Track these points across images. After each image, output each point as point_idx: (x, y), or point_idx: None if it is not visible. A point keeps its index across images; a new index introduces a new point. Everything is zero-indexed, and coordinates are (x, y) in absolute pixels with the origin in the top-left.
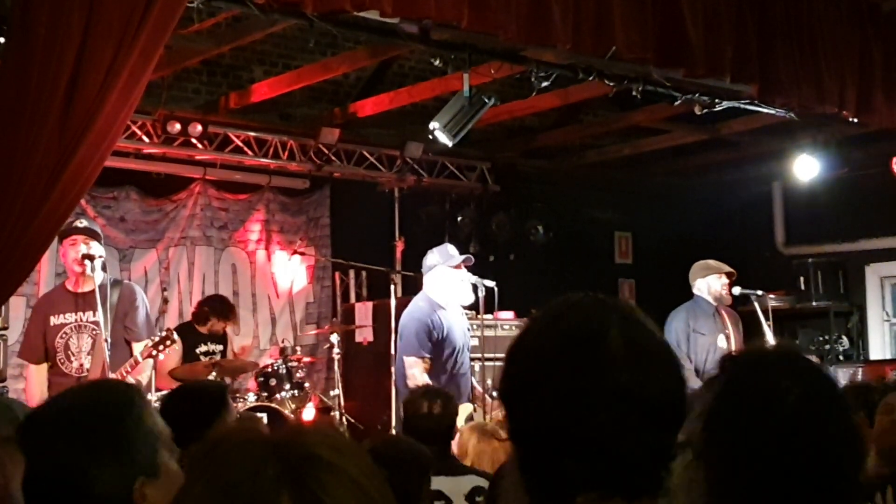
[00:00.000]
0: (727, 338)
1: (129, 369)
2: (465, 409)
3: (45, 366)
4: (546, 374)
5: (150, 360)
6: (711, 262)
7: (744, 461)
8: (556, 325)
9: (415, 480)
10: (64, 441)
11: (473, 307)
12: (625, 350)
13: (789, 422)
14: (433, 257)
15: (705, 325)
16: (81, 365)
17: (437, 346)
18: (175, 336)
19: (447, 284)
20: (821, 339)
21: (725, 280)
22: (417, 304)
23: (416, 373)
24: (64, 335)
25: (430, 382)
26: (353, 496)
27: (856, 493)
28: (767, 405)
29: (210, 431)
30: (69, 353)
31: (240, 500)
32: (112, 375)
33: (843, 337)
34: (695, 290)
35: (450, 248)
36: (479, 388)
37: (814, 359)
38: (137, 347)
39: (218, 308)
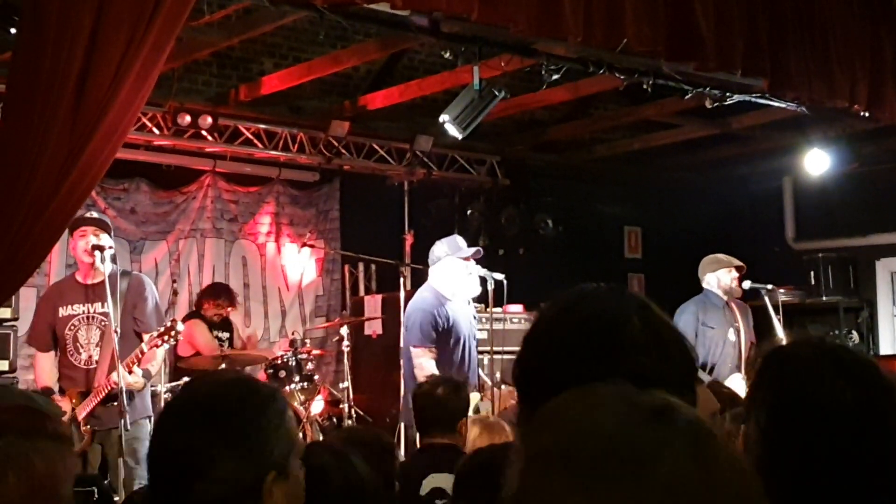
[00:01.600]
0: (737, 331)
1: (136, 360)
2: (472, 399)
3: (52, 353)
4: (567, 361)
5: (161, 351)
6: (721, 256)
7: (808, 473)
8: (575, 313)
9: (388, 460)
10: (196, 420)
11: (482, 300)
12: (644, 336)
13: (849, 424)
14: (441, 248)
15: (714, 319)
16: (90, 356)
17: (442, 337)
18: (180, 327)
19: (454, 276)
20: (831, 334)
21: (735, 274)
22: (423, 294)
23: (424, 362)
24: (73, 326)
25: (437, 373)
26: (738, 461)
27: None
28: (826, 411)
29: None
30: (78, 344)
31: (642, 454)
32: (120, 367)
33: (853, 332)
34: (704, 285)
35: (459, 240)
36: (487, 381)
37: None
38: (146, 338)
39: (209, 291)
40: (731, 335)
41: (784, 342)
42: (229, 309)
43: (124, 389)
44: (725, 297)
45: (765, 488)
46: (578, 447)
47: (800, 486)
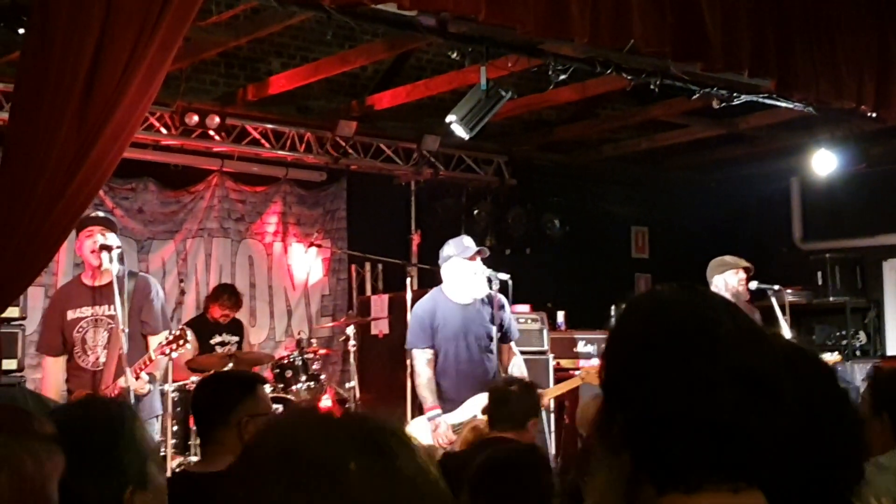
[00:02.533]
0: None
1: (144, 366)
2: (482, 399)
3: (62, 358)
4: (664, 362)
5: (165, 358)
6: (728, 258)
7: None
8: (665, 314)
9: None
10: None
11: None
12: (736, 333)
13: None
14: (449, 249)
15: None
16: (98, 358)
17: (437, 337)
18: (189, 335)
19: (460, 276)
20: (838, 334)
21: (743, 275)
22: (423, 298)
23: (416, 364)
24: (81, 329)
25: (430, 373)
26: (421, 465)
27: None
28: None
29: (233, 416)
30: (86, 346)
31: (304, 465)
32: (128, 369)
33: (860, 332)
34: (712, 287)
35: (465, 240)
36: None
37: (828, 356)
38: (153, 340)
39: (214, 293)
40: None
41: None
42: (235, 309)
43: (131, 390)
44: (733, 300)
45: None
46: (263, 463)
47: None
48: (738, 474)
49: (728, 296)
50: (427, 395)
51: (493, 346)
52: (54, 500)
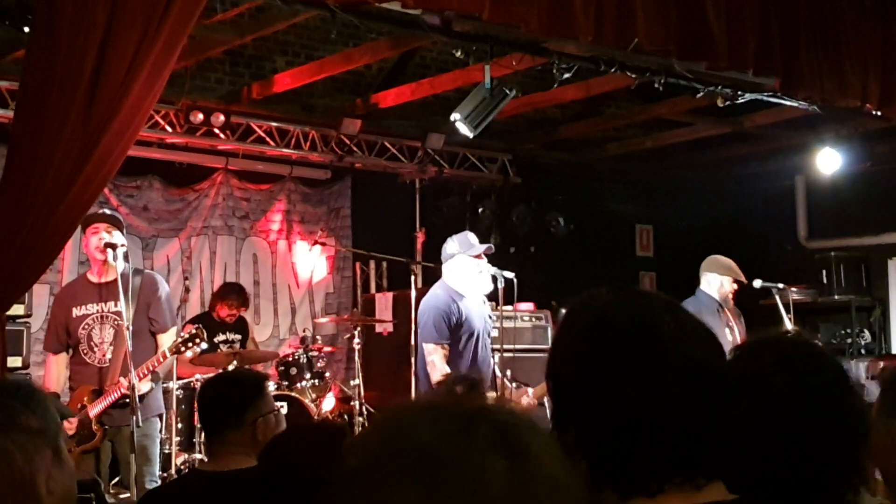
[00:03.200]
0: (731, 330)
1: (157, 364)
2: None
3: (64, 355)
4: (609, 369)
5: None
6: (732, 264)
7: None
8: (605, 319)
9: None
10: None
11: (493, 298)
12: (678, 332)
13: (772, 403)
14: (453, 245)
15: (710, 320)
16: (104, 355)
17: (454, 334)
18: (204, 335)
19: (466, 273)
20: (843, 332)
21: (735, 286)
22: (435, 292)
23: (437, 359)
24: (86, 326)
25: (448, 370)
26: (558, 461)
27: (847, 480)
28: (752, 387)
29: (245, 417)
30: (92, 343)
31: (445, 467)
32: (133, 369)
33: (865, 331)
34: (703, 280)
35: (470, 237)
36: (500, 376)
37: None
38: (161, 338)
39: (221, 291)
40: (727, 334)
41: (755, 337)
42: (242, 309)
43: (136, 388)
44: (719, 300)
45: None
46: (385, 462)
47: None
48: (696, 470)
49: (717, 296)
50: None
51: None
52: (42, 493)
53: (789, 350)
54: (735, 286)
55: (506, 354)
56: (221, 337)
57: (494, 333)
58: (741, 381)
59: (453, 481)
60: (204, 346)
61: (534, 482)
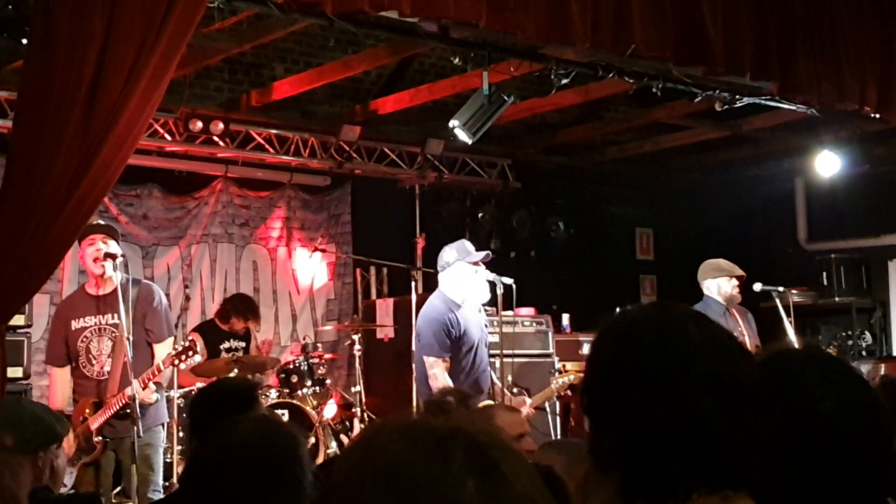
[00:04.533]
0: (740, 335)
1: (153, 376)
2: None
3: (68, 368)
4: (640, 380)
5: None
6: (723, 263)
7: (780, 471)
8: (636, 333)
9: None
10: None
11: (492, 304)
12: (707, 344)
13: (826, 431)
14: (450, 254)
15: None
16: (103, 367)
17: (454, 345)
18: (198, 347)
19: (464, 282)
20: (843, 334)
21: (735, 282)
22: (433, 303)
23: (438, 373)
24: (85, 339)
25: (450, 383)
26: (530, 480)
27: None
28: (803, 414)
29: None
30: (90, 356)
31: (417, 488)
32: (134, 380)
33: (866, 333)
34: (704, 290)
35: (467, 245)
36: (498, 384)
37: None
38: (158, 348)
39: (239, 307)
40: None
41: (782, 348)
42: (256, 324)
43: (137, 398)
44: (725, 304)
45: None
46: (361, 481)
47: (778, 483)
48: (723, 481)
49: (720, 300)
50: None
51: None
52: None
53: (831, 363)
54: (735, 282)
55: (506, 360)
56: (226, 344)
57: (493, 339)
58: (776, 392)
59: (426, 501)
60: (198, 358)
61: (505, 500)
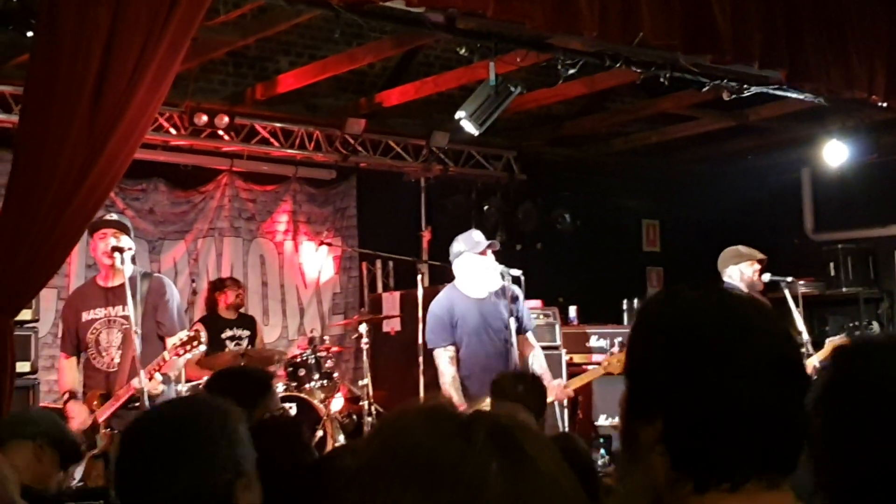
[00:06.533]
0: None
1: (158, 367)
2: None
3: (75, 358)
4: (702, 359)
5: (182, 359)
6: (742, 248)
7: (858, 449)
8: (696, 312)
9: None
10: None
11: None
12: (765, 322)
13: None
14: (459, 245)
15: None
16: (112, 359)
17: (457, 333)
18: (203, 337)
19: (473, 271)
20: (851, 325)
21: (757, 266)
22: (438, 297)
23: (440, 363)
24: (94, 330)
25: (454, 372)
26: (554, 462)
27: None
28: (881, 393)
29: (254, 414)
30: (100, 348)
31: (441, 470)
32: (141, 371)
33: (874, 323)
34: (725, 278)
35: (475, 235)
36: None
37: (837, 339)
38: (170, 341)
39: (215, 283)
40: None
41: (846, 339)
42: (241, 291)
43: (146, 391)
44: (747, 291)
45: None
46: (384, 464)
47: (853, 467)
48: (778, 465)
49: (743, 286)
50: (453, 393)
51: (513, 338)
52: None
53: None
54: (757, 266)
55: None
56: (228, 332)
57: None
58: (852, 384)
59: (451, 483)
60: (203, 347)
61: (530, 483)
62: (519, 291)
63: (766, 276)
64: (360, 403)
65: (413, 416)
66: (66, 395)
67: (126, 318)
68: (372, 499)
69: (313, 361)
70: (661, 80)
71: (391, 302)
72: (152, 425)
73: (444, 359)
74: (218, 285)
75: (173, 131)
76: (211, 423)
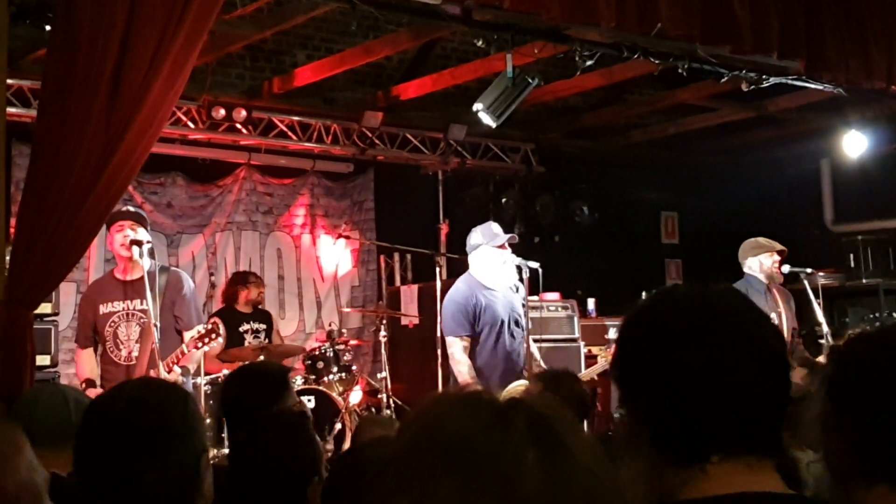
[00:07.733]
0: (778, 316)
1: (177, 360)
2: (518, 387)
3: (91, 349)
4: (687, 337)
5: (200, 352)
6: (762, 239)
7: (866, 433)
8: (680, 302)
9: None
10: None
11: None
12: (745, 312)
13: None
14: (476, 236)
15: (758, 303)
16: (130, 352)
17: (476, 325)
18: (221, 330)
19: (490, 265)
20: (871, 316)
21: (777, 258)
22: (457, 285)
23: (456, 352)
24: (112, 323)
25: (469, 362)
26: (593, 452)
27: None
28: (890, 379)
29: (272, 411)
30: (118, 341)
31: (477, 458)
32: (160, 364)
33: (894, 314)
34: (745, 269)
35: (493, 227)
36: (542, 365)
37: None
38: (188, 336)
39: (237, 278)
40: (774, 320)
41: (860, 330)
42: (262, 288)
43: None
44: (767, 282)
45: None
46: (421, 451)
47: (866, 447)
48: (748, 447)
49: (762, 278)
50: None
51: (524, 333)
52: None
53: None
54: (777, 258)
55: (532, 344)
56: (245, 326)
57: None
58: (873, 368)
59: (488, 472)
60: (220, 340)
61: (567, 473)
62: (519, 284)
63: (786, 268)
64: (379, 396)
65: (450, 403)
66: (84, 384)
67: (144, 311)
68: (409, 486)
69: (332, 354)
70: (680, 71)
71: (409, 295)
72: (125, 411)
73: (458, 347)
74: (241, 279)
75: (191, 125)
76: (186, 404)
